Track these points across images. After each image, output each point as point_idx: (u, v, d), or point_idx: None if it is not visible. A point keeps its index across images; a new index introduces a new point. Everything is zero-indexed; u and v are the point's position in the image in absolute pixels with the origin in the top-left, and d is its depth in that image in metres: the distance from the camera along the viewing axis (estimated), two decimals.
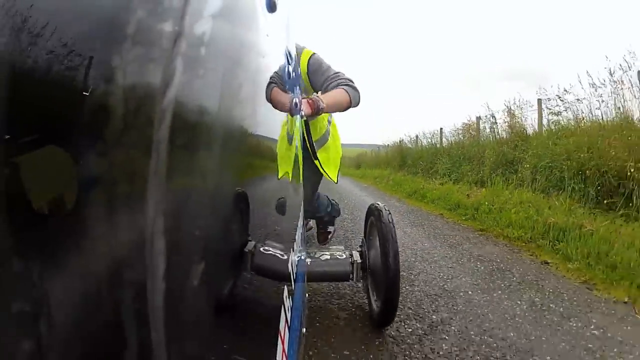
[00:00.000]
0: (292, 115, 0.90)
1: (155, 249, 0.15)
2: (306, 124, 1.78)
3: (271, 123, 0.50)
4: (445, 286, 1.78)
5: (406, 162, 9.24)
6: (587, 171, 2.79)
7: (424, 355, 1.11)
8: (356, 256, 1.59)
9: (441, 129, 8.76)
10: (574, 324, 1.42)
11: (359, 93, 1.79)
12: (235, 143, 0.30)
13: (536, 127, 4.94)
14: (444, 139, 8.63)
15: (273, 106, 0.58)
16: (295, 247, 0.88)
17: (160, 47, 0.16)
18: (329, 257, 1.55)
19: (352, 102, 1.78)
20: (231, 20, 0.28)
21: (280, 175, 0.62)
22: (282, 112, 0.66)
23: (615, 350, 1.23)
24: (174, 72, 0.16)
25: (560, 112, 4.42)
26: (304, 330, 0.86)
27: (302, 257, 1.21)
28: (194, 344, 0.19)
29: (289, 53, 0.79)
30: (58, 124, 0.12)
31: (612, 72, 3.53)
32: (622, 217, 2.43)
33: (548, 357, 1.11)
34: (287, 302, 0.57)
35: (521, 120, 4.97)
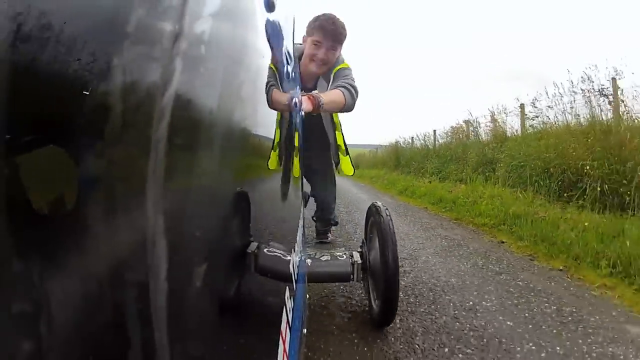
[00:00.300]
0: (292, 115, 0.89)
1: (156, 249, 0.15)
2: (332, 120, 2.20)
3: (271, 123, 0.51)
4: (412, 253, 2.32)
5: (400, 162, 9.85)
6: (552, 169, 3.34)
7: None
8: (356, 257, 1.57)
9: (434, 131, 9.38)
10: (504, 277, 1.88)
11: (354, 100, 1.90)
12: (236, 143, 0.31)
13: (519, 130, 5.52)
14: (436, 141, 9.54)
15: (274, 108, 0.59)
16: (296, 248, 0.87)
17: (159, 46, 0.16)
18: (329, 257, 1.55)
19: (346, 105, 1.89)
20: (230, 19, 0.29)
21: (280, 175, 0.62)
22: (282, 112, 0.66)
23: (532, 294, 1.65)
24: (173, 72, 0.17)
25: (534, 118, 5.16)
26: (305, 330, 0.87)
27: (303, 258, 1.20)
28: (196, 344, 0.20)
29: (288, 52, 0.77)
30: (58, 123, 0.12)
31: (572, 83, 4.35)
32: (577, 207, 2.94)
33: (475, 292, 1.60)
34: (289, 303, 0.57)
35: (502, 124, 5.84)
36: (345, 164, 2.25)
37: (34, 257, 0.12)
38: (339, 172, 2.32)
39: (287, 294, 0.57)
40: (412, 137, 10.98)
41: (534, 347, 1.24)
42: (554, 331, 1.40)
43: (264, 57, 0.45)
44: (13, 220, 0.11)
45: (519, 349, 1.23)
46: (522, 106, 5.19)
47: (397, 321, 1.29)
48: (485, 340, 1.30)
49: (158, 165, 0.16)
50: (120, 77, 0.14)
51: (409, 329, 1.33)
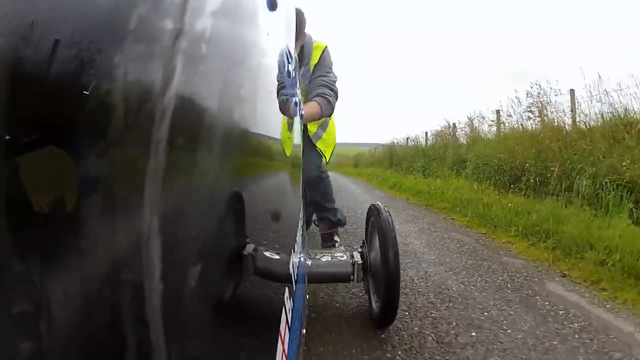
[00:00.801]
0: (292, 116, 0.87)
1: (155, 249, 0.15)
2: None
3: (271, 123, 0.50)
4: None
5: (393, 161, 10.41)
6: (504, 166, 4.30)
7: (352, 232, 2.94)
8: (357, 257, 1.55)
9: (426, 132, 10.12)
10: (437, 233, 3.00)
11: (332, 105, 1.96)
12: (236, 142, 0.30)
13: (496, 134, 6.42)
14: (427, 141, 10.15)
15: (283, 111, 0.62)
16: (296, 248, 0.83)
17: (160, 45, 0.16)
18: (329, 258, 1.53)
19: (323, 113, 1.94)
20: (232, 18, 0.28)
21: (280, 175, 0.62)
22: (282, 113, 0.65)
23: (449, 241, 2.79)
24: (174, 70, 0.16)
25: (500, 124, 6.18)
26: (304, 331, 0.85)
27: (303, 258, 1.16)
28: (195, 345, 0.19)
29: (289, 52, 0.76)
30: (58, 123, 0.12)
31: (519, 100, 5.39)
32: (517, 195, 3.87)
33: (412, 238, 2.60)
34: (288, 303, 0.55)
35: (478, 128, 6.83)
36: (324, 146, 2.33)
37: (34, 257, 0.12)
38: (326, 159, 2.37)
39: (287, 294, 0.55)
40: (407, 138, 11.79)
41: (435, 259, 2.34)
42: (454, 255, 2.47)
43: (266, 55, 0.44)
44: (13, 220, 0.11)
45: (425, 257, 2.39)
46: (498, 112, 6.02)
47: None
48: (406, 252, 2.47)
49: (158, 166, 0.16)
50: (121, 77, 0.14)
51: (356, 223, 2.83)
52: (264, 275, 0.43)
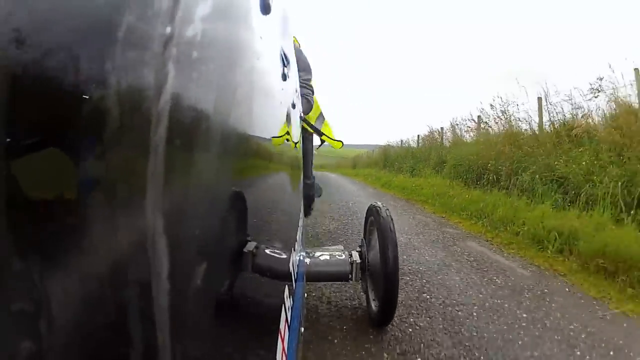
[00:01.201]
0: (290, 117, 0.85)
1: (155, 249, 0.15)
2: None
3: (269, 124, 0.49)
4: (364, 205, 3.83)
5: (387, 162, 11.08)
6: (473, 166, 5.06)
7: (338, 209, 4.15)
8: (355, 256, 1.52)
9: (418, 135, 10.64)
10: (407, 216, 3.91)
11: (311, 103, 2.00)
12: (234, 143, 0.30)
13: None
14: (419, 143, 10.61)
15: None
16: (296, 247, 0.80)
17: (153, 49, 0.16)
18: (328, 257, 1.49)
19: (304, 111, 1.97)
20: (226, 22, 0.28)
21: (280, 175, 0.61)
22: (280, 113, 0.64)
23: (412, 219, 3.76)
24: (168, 74, 0.16)
25: (472, 130, 6.91)
26: (302, 329, 0.82)
27: (302, 257, 1.14)
28: (196, 343, 0.19)
29: (284, 55, 0.74)
30: (57, 126, 0.12)
31: (480, 118, 6.22)
32: (480, 189, 4.68)
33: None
34: (288, 302, 0.53)
35: (460, 132, 7.43)
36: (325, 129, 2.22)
37: (34, 257, 0.12)
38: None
39: (287, 292, 0.54)
40: (401, 141, 12.23)
41: (396, 228, 2.47)
42: (411, 227, 3.33)
43: (260, 59, 0.43)
44: (13, 221, 0.11)
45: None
46: (479, 118, 6.62)
47: (350, 205, 3.99)
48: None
49: (157, 167, 0.15)
50: (117, 80, 0.14)
51: (349, 210, 3.67)
52: (265, 274, 0.42)
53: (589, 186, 3.09)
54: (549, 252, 2.65)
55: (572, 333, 1.58)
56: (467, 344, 1.46)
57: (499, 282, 2.17)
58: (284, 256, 0.56)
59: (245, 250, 0.33)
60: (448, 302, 1.87)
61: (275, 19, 0.60)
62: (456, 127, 7.50)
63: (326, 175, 12.94)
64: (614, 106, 3.49)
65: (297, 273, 0.78)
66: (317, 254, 1.57)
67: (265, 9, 0.47)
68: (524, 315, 1.75)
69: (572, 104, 4.51)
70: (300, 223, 1.09)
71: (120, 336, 0.15)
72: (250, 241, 0.35)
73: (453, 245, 2.96)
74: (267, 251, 0.44)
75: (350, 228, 3.43)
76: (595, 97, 4.06)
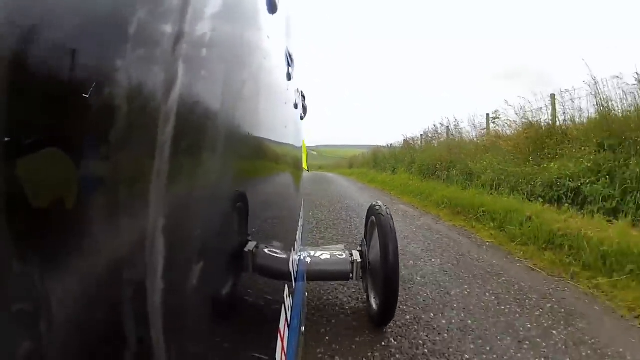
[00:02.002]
0: (293, 117, 0.80)
1: (157, 249, 0.15)
2: None
3: (272, 124, 0.47)
4: (348, 192, 5.99)
5: (376, 163, 12.38)
6: (431, 165, 6.20)
7: (332, 193, 5.69)
8: (356, 255, 1.44)
9: (404, 139, 11.34)
10: (375, 196, 5.28)
11: (305, 111, 1.81)
12: (236, 142, 0.29)
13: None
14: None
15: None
16: (296, 246, 0.74)
17: (162, 48, 0.16)
18: (329, 256, 1.44)
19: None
20: (233, 21, 0.28)
21: (281, 175, 0.58)
22: (284, 113, 0.60)
23: (379, 198, 4.01)
24: (176, 73, 0.16)
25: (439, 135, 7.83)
26: (302, 328, 0.78)
27: (303, 256, 1.05)
28: (196, 342, 0.19)
29: (289, 54, 0.71)
30: (59, 125, 0.12)
31: (436, 129, 7.48)
32: (432, 181, 5.90)
33: (361, 199, 4.87)
34: (288, 301, 0.50)
35: (434, 137, 8.44)
36: None
37: (34, 257, 0.11)
38: None
39: (287, 292, 0.51)
40: (391, 144, 13.66)
41: (363, 202, 4.32)
42: (374, 200, 3.53)
43: (266, 58, 0.42)
44: (14, 220, 0.11)
45: (359, 199, 4.80)
46: (447, 128, 7.61)
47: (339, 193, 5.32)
48: (354, 198, 4.94)
49: (159, 166, 0.15)
50: (123, 79, 0.14)
51: (340, 196, 5.10)
52: (265, 273, 0.39)
53: (483, 176, 4.35)
54: (442, 208, 4.12)
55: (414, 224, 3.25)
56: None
57: (400, 214, 3.83)
58: (284, 255, 0.50)
59: (245, 249, 0.30)
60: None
61: (281, 19, 0.55)
62: (426, 135, 8.83)
63: (325, 174, 13.83)
64: (514, 126, 4.78)
65: (297, 272, 0.70)
66: (318, 253, 1.41)
67: (272, 8, 0.43)
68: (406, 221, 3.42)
69: (493, 123, 5.58)
70: (300, 222, 0.97)
71: (121, 336, 0.14)
72: (250, 240, 0.31)
73: (396, 210, 4.04)
74: (267, 250, 0.40)
75: (338, 204, 4.68)
76: (493, 123, 5.68)
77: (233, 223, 0.28)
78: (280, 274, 0.50)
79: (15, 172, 0.11)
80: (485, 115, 6.34)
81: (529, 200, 3.34)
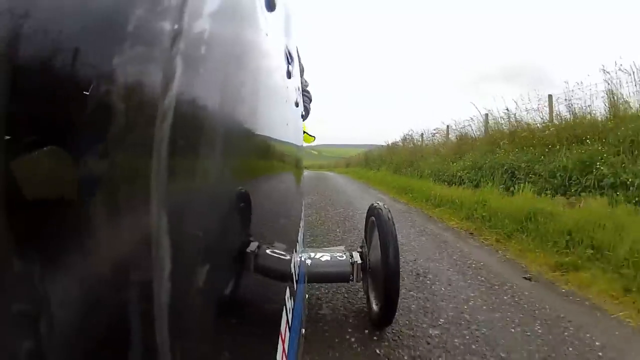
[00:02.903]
0: (293, 116, 0.72)
1: (157, 249, 0.15)
2: None
3: (272, 123, 0.44)
4: (339, 184, 7.43)
5: (367, 162, 13.65)
6: (401, 164, 7.50)
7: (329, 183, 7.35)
8: (356, 257, 1.31)
9: (390, 142, 11.60)
10: (359, 186, 6.76)
11: (308, 109, 1.76)
12: (237, 142, 0.28)
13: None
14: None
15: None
16: (297, 248, 0.65)
17: (160, 46, 0.16)
18: (329, 258, 1.33)
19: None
20: (231, 19, 0.28)
21: (282, 175, 0.53)
22: (284, 111, 0.55)
23: (359, 186, 7.06)
24: (174, 72, 0.16)
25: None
26: (303, 331, 0.71)
27: (303, 258, 0.94)
28: (197, 344, 0.19)
29: (289, 52, 0.65)
30: (59, 124, 0.12)
31: (405, 137, 8.66)
32: (402, 176, 7.00)
33: (349, 189, 6.10)
34: (289, 303, 0.46)
35: (407, 142, 9.21)
36: None
37: (34, 257, 0.12)
38: None
39: (288, 294, 0.47)
40: (381, 145, 13.36)
41: (350, 190, 5.53)
42: (355, 189, 6.19)
43: (265, 56, 0.41)
44: (14, 220, 0.11)
45: (346, 188, 6.37)
46: (422, 135, 7.93)
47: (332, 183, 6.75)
48: (345, 190, 5.90)
49: (160, 165, 0.15)
50: (121, 77, 0.14)
51: (334, 187, 6.26)
52: (267, 275, 0.36)
53: (426, 171, 4.93)
54: (392, 189, 4.55)
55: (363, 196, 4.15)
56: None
57: (369, 192, 4.70)
58: (285, 257, 0.46)
59: (246, 251, 0.28)
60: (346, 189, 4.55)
61: (280, 16, 0.50)
62: (404, 140, 9.52)
63: (325, 173, 14.21)
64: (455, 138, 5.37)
65: (298, 274, 0.62)
66: (318, 254, 1.27)
67: (271, 5, 0.41)
68: (363, 194, 4.44)
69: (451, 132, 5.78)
70: (302, 224, 0.86)
71: (122, 336, 0.13)
72: (251, 242, 0.29)
73: (374, 195, 4.51)
74: (269, 252, 0.37)
75: (331, 192, 5.02)
76: (433, 137, 6.37)
77: (234, 224, 0.25)
78: (282, 276, 0.44)
79: (16, 171, 0.10)
80: (441, 124, 8.12)
81: (444, 184, 4.76)
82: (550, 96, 4.24)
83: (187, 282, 0.19)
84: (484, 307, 1.57)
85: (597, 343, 1.35)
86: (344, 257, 1.38)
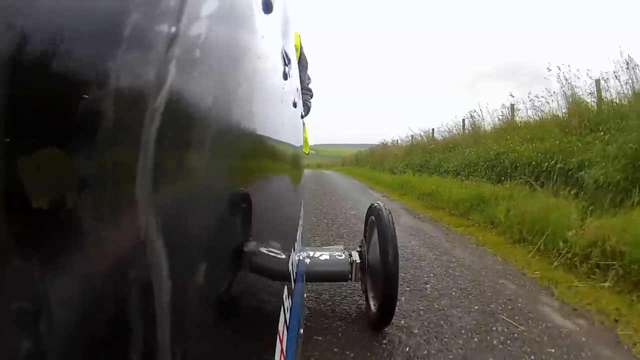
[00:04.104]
0: (292, 117, 0.72)
1: (154, 249, 0.16)
2: None
3: (270, 124, 0.46)
4: (335, 180, 8.29)
5: (359, 162, 13.21)
6: (394, 164, 8.22)
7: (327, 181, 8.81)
8: (355, 256, 1.29)
9: (371, 147, 11.70)
10: (348, 180, 8.28)
11: (309, 106, 1.83)
12: (236, 142, 0.29)
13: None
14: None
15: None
16: (296, 247, 0.64)
17: (156, 48, 0.16)
18: (328, 257, 1.33)
19: (303, 115, 1.49)
20: (227, 21, 0.28)
21: (280, 175, 0.53)
22: (281, 112, 0.56)
23: (354, 185, 7.35)
24: (170, 74, 0.17)
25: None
26: (301, 330, 0.71)
27: (302, 257, 0.93)
28: (194, 343, 0.20)
29: (286, 54, 0.67)
30: (57, 125, 0.12)
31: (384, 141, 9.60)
32: (378, 171, 8.28)
33: (344, 186, 6.94)
34: (287, 302, 0.47)
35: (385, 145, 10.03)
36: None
37: (33, 257, 0.12)
38: None
39: (286, 293, 0.47)
40: (372, 145, 12.50)
41: (345, 187, 6.41)
42: (350, 188, 7.02)
43: (261, 58, 0.42)
44: (13, 220, 0.11)
45: (340, 184, 7.38)
46: (412, 137, 8.05)
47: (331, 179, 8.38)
48: (339, 185, 7.18)
49: (157, 166, 0.16)
50: (118, 80, 0.14)
51: (329, 181, 7.63)
52: (264, 274, 0.37)
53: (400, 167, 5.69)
54: (369, 180, 5.38)
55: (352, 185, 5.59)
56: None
57: (352, 182, 5.56)
58: (283, 256, 0.45)
59: (244, 250, 0.28)
60: (339, 184, 5.43)
61: (276, 18, 0.52)
62: (385, 143, 10.06)
63: (322, 171, 14.92)
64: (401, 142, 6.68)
65: (296, 273, 0.62)
66: (317, 254, 1.26)
67: (267, 7, 0.42)
68: (352, 186, 5.26)
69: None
70: (300, 222, 0.85)
71: (118, 336, 0.14)
72: (249, 241, 0.30)
73: (371, 195, 4.57)
74: (266, 251, 0.37)
75: (327, 184, 5.30)
76: (394, 143, 7.63)
77: (232, 224, 0.26)
78: (280, 275, 0.43)
79: (15, 172, 0.10)
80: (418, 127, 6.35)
81: (392, 174, 5.38)
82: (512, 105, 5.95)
83: (186, 281, 0.17)
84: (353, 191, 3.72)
85: (429, 234, 2.84)
86: (343, 257, 1.37)
